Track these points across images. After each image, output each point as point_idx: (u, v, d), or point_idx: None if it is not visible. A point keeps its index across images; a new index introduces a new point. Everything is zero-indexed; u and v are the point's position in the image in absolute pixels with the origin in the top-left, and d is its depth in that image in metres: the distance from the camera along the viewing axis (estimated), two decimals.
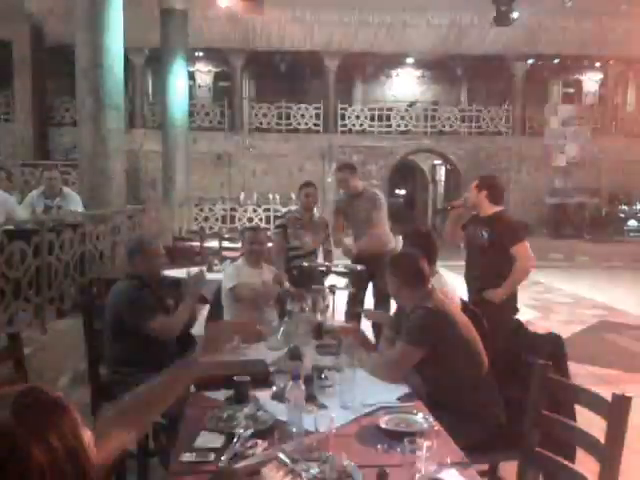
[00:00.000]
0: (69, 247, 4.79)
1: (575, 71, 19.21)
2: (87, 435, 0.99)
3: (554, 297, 8.80)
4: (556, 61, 17.79)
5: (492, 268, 3.88)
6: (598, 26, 15.01)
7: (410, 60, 19.11)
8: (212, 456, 1.80)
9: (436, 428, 2.02)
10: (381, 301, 4.40)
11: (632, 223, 15.24)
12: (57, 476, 0.91)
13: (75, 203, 5.65)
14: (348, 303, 4.52)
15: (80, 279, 4.97)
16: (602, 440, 1.94)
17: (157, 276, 3.13)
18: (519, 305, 4.03)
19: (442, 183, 19.71)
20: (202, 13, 13.47)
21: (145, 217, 7.42)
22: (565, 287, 9.56)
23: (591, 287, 9.45)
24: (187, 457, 1.80)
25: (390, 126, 17.42)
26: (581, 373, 4.52)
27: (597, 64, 18.32)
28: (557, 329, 3.30)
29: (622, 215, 15.40)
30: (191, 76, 16.39)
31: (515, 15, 11.70)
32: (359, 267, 4.17)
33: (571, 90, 19.93)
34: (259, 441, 1.87)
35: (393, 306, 3.94)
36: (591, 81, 19.52)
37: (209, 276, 5.10)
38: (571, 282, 9.96)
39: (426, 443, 1.67)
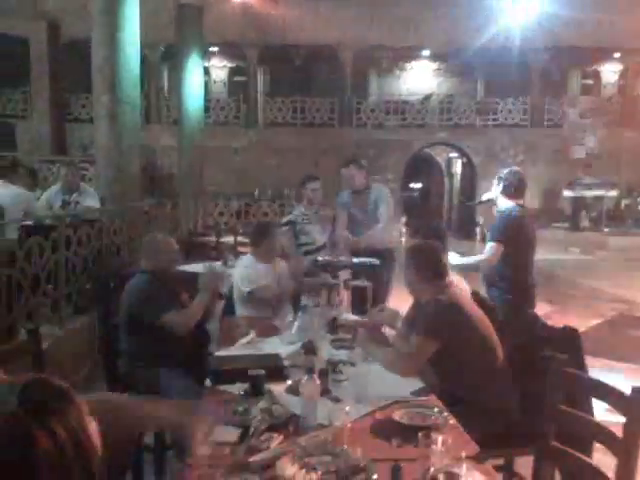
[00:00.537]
0: (86, 242, 4.84)
1: (594, 62, 18.92)
2: (93, 426, 1.00)
3: (572, 290, 8.71)
4: (573, 53, 17.54)
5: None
6: (617, 17, 14.77)
7: (426, 53, 18.97)
8: (227, 450, 1.81)
9: (451, 422, 2.01)
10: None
11: None
12: (62, 464, 0.92)
13: (92, 198, 5.70)
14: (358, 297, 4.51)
15: (97, 274, 5.01)
16: (619, 434, 1.92)
17: (172, 271, 3.15)
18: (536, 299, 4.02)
19: (458, 176, 19.56)
20: (217, 8, 13.48)
21: (161, 212, 7.47)
22: (583, 280, 9.46)
23: (609, 280, 9.34)
24: (202, 451, 1.81)
25: (405, 119, 17.33)
26: (597, 366, 4.47)
27: (616, 55, 18.03)
28: (575, 323, 3.29)
29: None
30: (206, 71, 16.44)
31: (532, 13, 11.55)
32: (373, 261, 4.17)
33: (590, 82, 19.65)
34: (274, 435, 1.88)
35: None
36: (610, 72, 19.23)
37: (225, 271, 5.15)
38: (589, 275, 9.85)
39: (440, 437, 1.67)
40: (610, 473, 1.90)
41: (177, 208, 8.72)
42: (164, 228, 6.73)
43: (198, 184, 11.41)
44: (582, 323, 5.71)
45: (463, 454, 1.73)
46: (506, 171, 4.08)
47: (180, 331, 2.97)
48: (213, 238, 7.46)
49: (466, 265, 3.96)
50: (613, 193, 15.72)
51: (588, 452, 2.31)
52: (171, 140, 13.72)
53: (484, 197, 4.33)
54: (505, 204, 3.95)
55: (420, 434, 1.72)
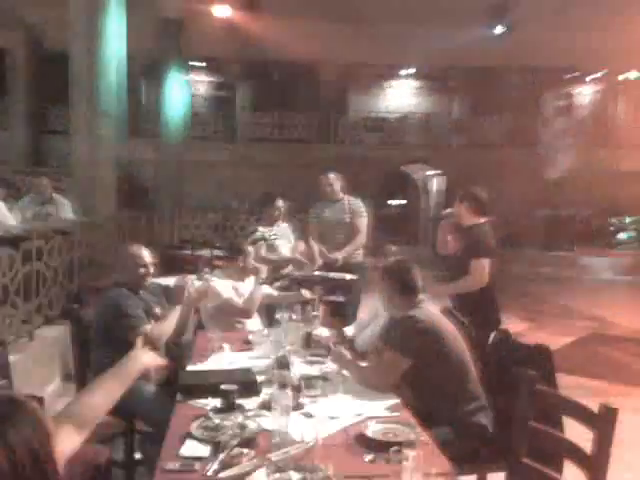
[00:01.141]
0: (58, 254, 4.77)
1: (567, 84, 19.36)
2: (56, 439, 0.98)
3: (544, 309, 8.81)
4: (547, 74, 17.93)
5: (459, 279, 3.94)
6: (590, 40, 15.15)
7: (405, 72, 19.23)
8: (197, 465, 1.78)
9: (422, 439, 2.01)
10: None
11: (622, 236, 15.32)
12: (17, 473, 0.90)
13: (65, 209, 5.64)
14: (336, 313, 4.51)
15: (69, 286, 4.94)
16: (589, 451, 1.94)
17: (145, 284, 3.11)
18: (508, 316, 4.07)
19: (435, 194, 19.77)
20: (199, 23, 13.51)
21: (136, 225, 7.40)
22: (555, 299, 9.58)
23: (581, 299, 9.47)
24: (172, 466, 1.79)
25: (384, 137, 17.50)
26: (570, 385, 4.51)
27: (589, 77, 18.48)
28: (547, 341, 3.32)
29: (612, 228, 15.48)
30: (187, 85, 16.42)
31: (508, 34, 11.83)
32: (348, 277, 4.17)
33: (563, 103, 20.09)
34: (245, 450, 1.86)
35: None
36: (583, 94, 19.70)
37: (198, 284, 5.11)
38: (561, 294, 9.98)
39: (412, 454, 1.66)
40: None
41: (153, 221, 8.65)
42: (139, 241, 6.66)
43: (176, 197, 11.35)
44: (555, 340, 5.76)
45: (434, 470, 1.73)
46: (470, 189, 4.18)
47: (153, 344, 2.93)
48: (189, 251, 7.39)
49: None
50: (585, 213, 16.03)
51: (559, 468, 2.33)
52: (150, 153, 13.63)
53: (445, 212, 4.41)
54: (472, 221, 4.02)
55: (392, 450, 1.72)
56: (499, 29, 14.17)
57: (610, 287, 10.99)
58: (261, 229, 4.82)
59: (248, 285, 3.72)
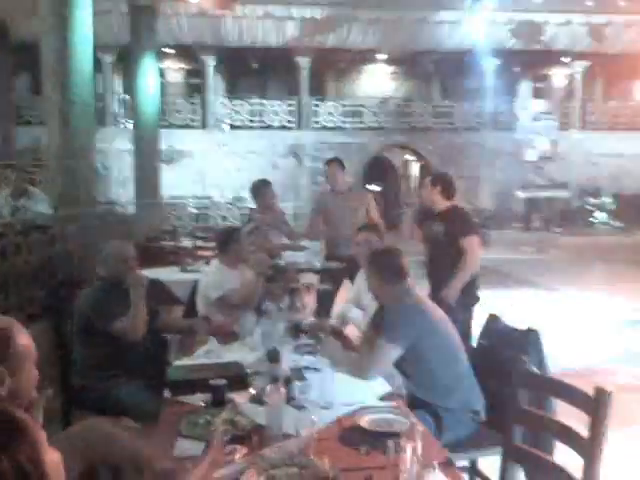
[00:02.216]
0: (37, 249, 4.65)
1: (544, 66, 19.46)
2: (52, 458, 0.93)
3: (525, 289, 8.89)
4: (525, 56, 17.99)
5: (446, 261, 3.98)
6: (566, 22, 15.23)
7: (382, 56, 19.14)
8: (191, 464, 1.73)
9: (418, 428, 1.98)
10: None
11: (600, 216, 15.53)
12: None
13: (41, 203, 5.50)
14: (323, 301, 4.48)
15: (49, 282, 4.82)
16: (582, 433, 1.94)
17: (125, 277, 3.03)
18: (487, 296, 4.12)
19: (415, 179, 19.81)
20: (172, 10, 13.28)
21: (116, 217, 7.27)
22: (536, 279, 9.67)
23: (561, 279, 9.57)
24: (165, 466, 1.74)
25: (363, 122, 17.44)
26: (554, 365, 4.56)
27: (566, 59, 18.59)
28: (529, 322, 3.34)
29: (590, 208, 15.67)
30: (161, 73, 16.17)
31: (486, 17, 11.83)
32: (335, 265, 4.13)
33: (541, 85, 20.20)
34: (238, 447, 1.81)
35: None
36: (560, 76, 19.82)
37: (184, 276, 5.04)
38: (541, 274, 10.07)
39: (410, 444, 1.63)
40: (577, 473, 1.91)
41: (133, 213, 8.51)
42: (119, 233, 6.54)
43: (154, 188, 11.19)
44: (537, 322, 5.79)
45: (435, 462, 1.71)
46: (441, 173, 4.22)
47: (132, 337, 2.85)
48: (171, 243, 7.29)
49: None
50: (564, 194, 16.20)
51: (550, 451, 2.33)
52: (125, 143, 13.41)
53: (410, 200, 4.45)
54: (445, 204, 4.05)
55: (390, 442, 1.69)
56: (475, 11, 14.15)
57: (590, 266, 11.11)
58: (256, 218, 4.75)
59: (244, 274, 3.66)
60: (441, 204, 4.09)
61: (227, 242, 3.63)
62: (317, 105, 17.51)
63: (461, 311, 3.75)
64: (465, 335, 2.83)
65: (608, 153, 16.87)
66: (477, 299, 4.07)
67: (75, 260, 5.37)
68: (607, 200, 15.60)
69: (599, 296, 8.19)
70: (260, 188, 4.79)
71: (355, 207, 4.59)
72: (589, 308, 7.55)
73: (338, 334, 3.16)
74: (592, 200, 15.75)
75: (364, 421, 2.04)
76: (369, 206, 4.65)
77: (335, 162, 4.76)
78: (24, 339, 1.51)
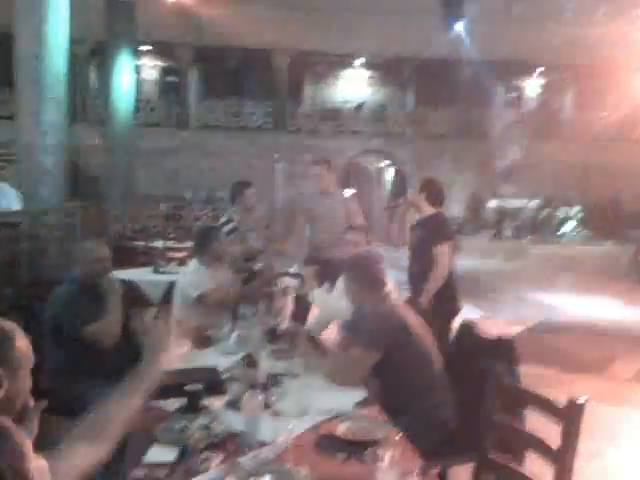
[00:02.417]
0: (5, 246, 4.55)
1: (517, 76, 19.80)
2: (36, 465, 0.91)
3: (496, 297, 9.00)
4: (498, 66, 18.27)
5: (421, 268, 4.00)
6: (540, 33, 15.50)
7: (359, 61, 19.24)
8: (165, 472, 1.71)
9: (393, 436, 1.99)
10: None
11: (568, 225, 15.82)
12: None
13: (10, 199, 5.38)
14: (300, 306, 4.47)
15: (17, 280, 4.72)
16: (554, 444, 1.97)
17: (98, 280, 2.97)
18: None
19: (388, 184, 19.94)
20: (150, 5, 13.11)
21: (87, 215, 7.15)
22: (506, 287, 9.81)
23: (531, 288, 9.73)
24: (137, 473, 1.71)
25: (339, 126, 17.50)
26: (524, 373, 4.63)
27: (538, 70, 18.93)
28: (500, 329, 3.40)
29: (559, 217, 15.96)
30: (137, 70, 15.95)
31: (461, 23, 11.98)
32: (312, 269, 4.13)
33: (513, 95, 20.53)
34: (213, 454, 1.80)
35: None
36: (532, 87, 20.18)
37: (156, 277, 4.99)
38: (511, 283, 10.23)
39: (388, 453, 1.64)
40: None
41: (104, 211, 8.38)
42: (91, 232, 6.44)
43: (126, 186, 11.03)
44: (507, 329, 5.88)
45: (409, 469, 1.72)
46: (429, 179, 4.24)
47: (106, 342, 2.81)
48: (142, 242, 7.20)
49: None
50: (534, 203, 16.47)
51: (520, 460, 2.36)
52: (97, 140, 13.18)
53: (398, 202, 4.46)
54: (430, 210, 4.08)
55: (368, 450, 1.69)
56: (452, 21, 14.29)
57: (559, 275, 11.31)
58: (234, 219, 4.71)
59: (221, 274, 3.64)
60: (426, 210, 4.11)
61: (206, 241, 3.61)
62: (295, 107, 17.52)
63: (438, 318, 3.78)
64: (440, 342, 2.85)
65: (577, 164, 17.23)
66: (456, 309, 4.08)
67: (44, 258, 5.27)
68: (576, 210, 15.91)
69: (566, 303, 8.37)
70: (241, 189, 4.76)
71: (340, 209, 4.59)
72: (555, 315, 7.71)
73: (314, 340, 3.15)
74: (561, 210, 16.05)
75: (340, 429, 2.03)
76: (351, 208, 4.65)
77: (322, 163, 4.74)
78: (24, 344, 1.48)
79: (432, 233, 4.05)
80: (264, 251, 4.71)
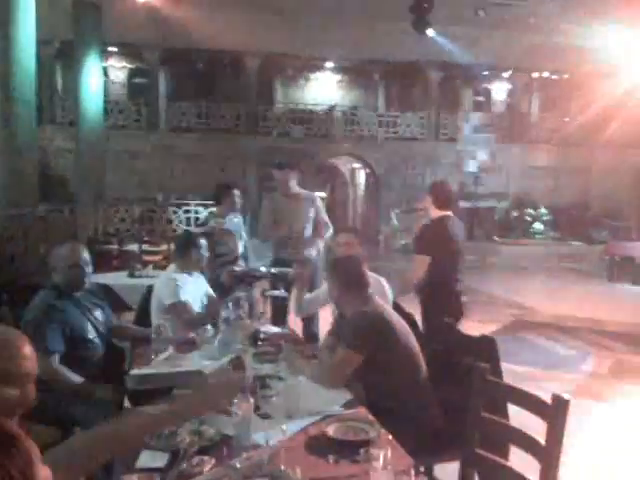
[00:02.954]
0: None
1: (485, 80, 20.12)
2: (44, 475, 0.90)
3: (469, 297, 9.08)
4: (467, 70, 18.55)
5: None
6: (507, 38, 15.78)
7: (329, 64, 19.29)
8: (157, 477, 1.69)
9: (384, 436, 2.00)
10: None
11: (537, 226, 16.13)
12: None
13: None
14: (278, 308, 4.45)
15: None
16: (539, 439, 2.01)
17: (81, 287, 2.90)
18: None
19: (362, 186, 20.04)
20: (117, 6, 12.93)
21: (59, 218, 7.02)
22: (479, 287, 9.94)
23: (503, 287, 9.89)
24: (130, 479, 1.69)
25: (311, 129, 17.51)
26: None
27: (505, 74, 19.26)
28: (475, 328, 3.44)
29: (529, 218, 16.26)
30: (104, 72, 15.72)
31: (430, 30, 12.13)
32: (287, 270, 4.13)
33: (481, 98, 20.85)
34: (205, 458, 1.78)
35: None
36: (500, 90, 20.53)
37: (132, 281, 4.92)
38: (484, 282, 10.37)
39: (381, 453, 1.65)
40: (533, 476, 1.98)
41: (75, 214, 8.24)
42: (62, 235, 6.32)
43: (97, 189, 10.86)
44: (482, 328, 5.96)
45: (400, 468, 1.73)
46: (435, 182, 4.24)
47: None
48: (115, 246, 7.09)
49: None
50: (503, 204, 16.75)
51: (506, 455, 2.40)
52: (66, 142, 12.97)
53: (417, 206, 4.48)
54: (436, 214, 4.09)
55: (361, 450, 1.70)
56: (421, 25, 14.44)
57: (529, 275, 11.54)
58: (210, 223, 4.67)
59: (202, 281, 3.61)
60: (433, 213, 4.10)
61: (186, 247, 3.56)
62: (266, 110, 17.47)
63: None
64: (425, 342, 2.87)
65: (544, 166, 17.59)
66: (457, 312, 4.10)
67: (16, 262, 5.16)
68: (544, 211, 16.23)
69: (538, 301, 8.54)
70: (227, 190, 4.73)
71: (305, 209, 4.59)
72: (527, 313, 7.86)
73: (297, 341, 3.15)
74: (530, 211, 16.35)
75: (330, 430, 2.04)
76: (318, 208, 4.66)
77: (285, 167, 4.71)
78: (29, 352, 1.47)
79: (415, 240, 4.07)
80: (242, 254, 4.69)
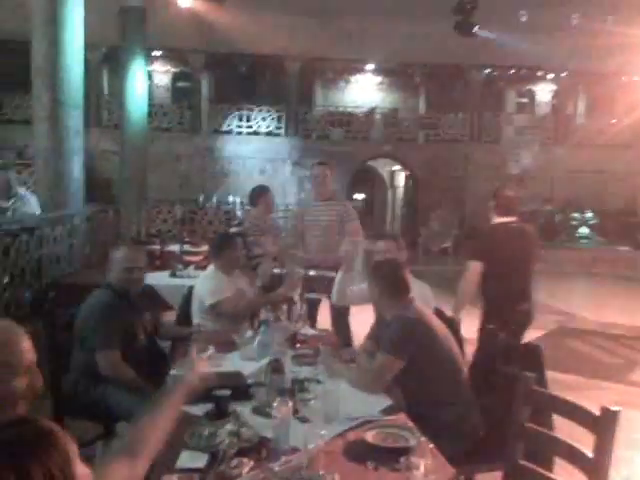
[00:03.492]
0: (25, 251, 4.57)
1: (529, 82, 19.73)
2: (81, 472, 0.91)
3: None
4: (511, 72, 18.22)
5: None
6: (551, 39, 15.45)
7: (369, 67, 19.24)
8: (196, 477, 1.70)
9: (424, 444, 1.97)
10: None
11: (583, 230, 15.70)
12: None
13: (31, 205, 5.41)
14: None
15: (37, 284, 4.74)
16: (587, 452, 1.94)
17: (136, 289, 2.96)
18: (473, 311, 4.11)
19: (401, 189, 19.89)
20: (162, 12, 13.19)
21: (104, 219, 7.18)
22: None
23: (547, 293, 9.63)
24: (170, 479, 1.70)
25: (350, 131, 17.49)
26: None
27: (550, 76, 18.84)
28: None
29: (574, 222, 15.84)
30: (149, 76, 16.06)
31: (476, 28, 11.95)
32: (329, 274, 4.11)
33: (525, 100, 20.45)
34: (244, 460, 1.78)
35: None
36: (544, 92, 20.09)
37: (174, 281, 4.98)
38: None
39: (422, 461, 1.62)
40: None
41: (119, 215, 8.42)
42: (107, 236, 6.47)
43: (140, 190, 11.08)
44: (526, 335, 5.83)
45: (441, 478, 1.70)
46: (498, 188, 4.17)
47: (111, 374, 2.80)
48: (157, 246, 7.20)
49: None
50: (547, 208, 16.36)
51: (550, 468, 2.33)
52: (111, 145, 13.27)
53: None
54: (496, 220, 4.03)
55: (402, 458, 1.67)
56: (464, 26, 14.27)
57: (573, 281, 11.24)
58: (245, 225, 4.72)
59: (237, 282, 3.63)
60: (495, 220, 4.04)
61: (220, 248, 3.60)
62: (306, 112, 17.54)
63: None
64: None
65: (590, 169, 17.11)
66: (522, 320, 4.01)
67: (63, 262, 5.29)
68: (589, 215, 15.78)
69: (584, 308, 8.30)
70: (262, 193, 4.77)
71: (338, 217, 4.48)
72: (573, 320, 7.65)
73: (335, 344, 3.13)
74: (575, 215, 15.92)
75: (369, 435, 2.02)
76: (349, 217, 4.53)
77: (325, 164, 4.66)
78: (28, 346, 1.57)
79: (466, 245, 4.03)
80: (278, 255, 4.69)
